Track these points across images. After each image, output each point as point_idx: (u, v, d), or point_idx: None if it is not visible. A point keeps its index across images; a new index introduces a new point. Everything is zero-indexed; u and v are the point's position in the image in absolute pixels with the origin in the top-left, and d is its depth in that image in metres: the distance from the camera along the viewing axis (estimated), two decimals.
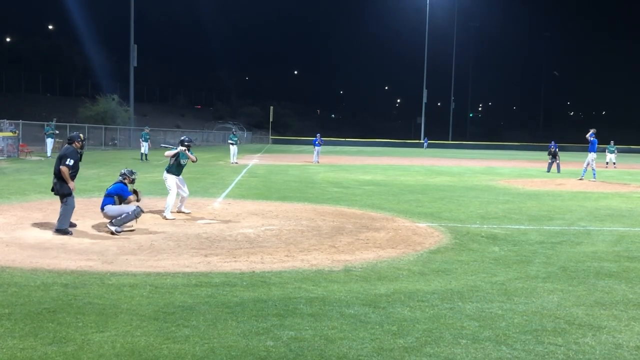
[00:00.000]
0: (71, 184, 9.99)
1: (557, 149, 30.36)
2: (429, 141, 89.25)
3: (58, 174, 9.98)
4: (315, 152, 35.72)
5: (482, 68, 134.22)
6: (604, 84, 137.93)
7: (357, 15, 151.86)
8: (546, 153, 31.77)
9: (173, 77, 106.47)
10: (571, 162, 42.75)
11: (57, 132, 36.10)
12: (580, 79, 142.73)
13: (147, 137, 34.23)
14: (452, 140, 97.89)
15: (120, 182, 10.66)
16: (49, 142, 33.67)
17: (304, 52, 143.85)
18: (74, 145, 10.27)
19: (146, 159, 32.26)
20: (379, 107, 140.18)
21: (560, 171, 30.01)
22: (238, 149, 34.19)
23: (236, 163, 31.93)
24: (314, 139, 36.48)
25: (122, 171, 10.85)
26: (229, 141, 33.83)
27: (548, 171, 30.31)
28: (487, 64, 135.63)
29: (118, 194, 10.41)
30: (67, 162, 9.94)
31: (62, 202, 10.02)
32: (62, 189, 10.00)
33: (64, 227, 9.87)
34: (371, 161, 37.96)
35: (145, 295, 6.34)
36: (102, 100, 56.34)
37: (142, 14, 64.63)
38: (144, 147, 33.34)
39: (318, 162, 33.74)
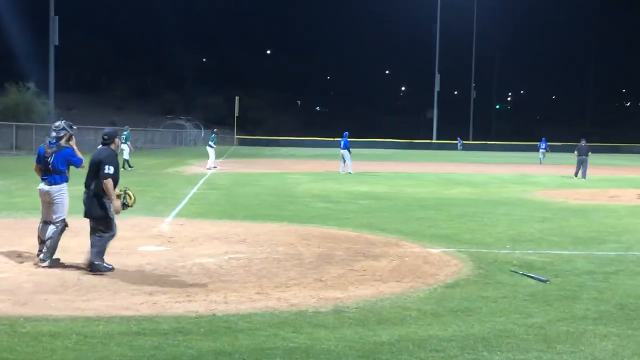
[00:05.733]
0: (116, 203, 9.53)
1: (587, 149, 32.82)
2: (463, 141, 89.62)
3: (95, 188, 9.47)
4: (344, 158, 33.93)
5: (512, 47, 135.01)
6: None
7: None
8: (575, 153, 33.40)
9: (108, 59, 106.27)
10: (627, 167, 43.18)
11: None
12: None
13: (129, 138, 34.84)
14: (473, 140, 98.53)
15: (63, 146, 9.95)
16: None
17: (279, 25, 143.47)
18: (112, 145, 9.89)
19: (129, 166, 32.75)
20: (379, 97, 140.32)
21: (586, 177, 31.67)
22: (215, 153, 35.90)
23: (214, 168, 33.48)
24: (342, 138, 34.60)
25: (58, 125, 10.11)
26: (211, 143, 35.53)
27: (576, 176, 32.14)
28: (518, 41, 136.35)
29: (69, 161, 9.90)
30: (108, 171, 9.46)
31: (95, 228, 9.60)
32: (94, 211, 9.54)
33: (100, 262, 9.51)
34: (369, 167, 38.05)
35: (70, 348, 6.27)
36: (13, 90, 55.93)
37: None
38: (125, 151, 33.70)
39: (351, 172, 32.92)
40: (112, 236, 9.80)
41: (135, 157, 35.36)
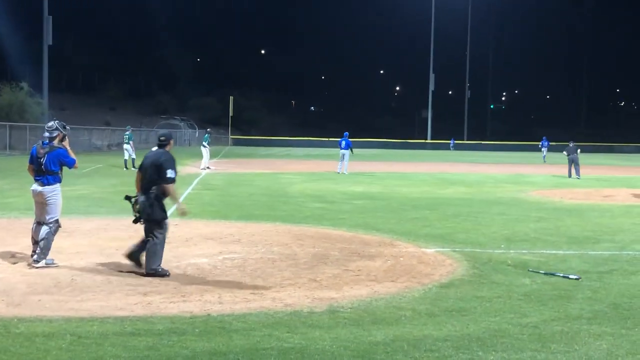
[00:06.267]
0: (182, 205, 9.52)
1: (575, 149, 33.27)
2: (456, 141, 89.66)
3: (156, 191, 9.38)
4: (342, 158, 33.95)
5: (507, 46, 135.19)
6: None
7: None
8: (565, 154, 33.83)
9: (101, 59, 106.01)
10: (621, 167, 43.28)
11: None
12: (633, 56, 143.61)
13: (131, 138, 34.88)
14: (468, 140, 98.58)
15: (55, 146, 9.91)
16: None
17: (273, 25, 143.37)
18: (167, 147, 9.79)
19: (133, 166, 32.70)
20: (373, 97, 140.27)
21: (580, 176, 32.08)
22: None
23: (208, 168, 33.59)
24: (342, 138, 34.56)
25: (51, 125, 10.05)
26: (204, 143, 35.57)
27: (569, 176, 32.49)
28: (512, 40, 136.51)
29: (61, 162, 9.88)
30: (171, 175, 9.38)
31: (149, 233, 9.54)
32: (154, 214, 9.47)
33: (158, 267, 9.48)
34: (363, 167, 38.05)
35: (65, 348, 6.27)
36: (6, 90, 55.79)
37: None
38: (128, 151, 33.93)
39: (345, 173, 32.97)
40: (164, 238, 9.72)
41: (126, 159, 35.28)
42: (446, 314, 7.79)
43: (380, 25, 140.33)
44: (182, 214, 9.70)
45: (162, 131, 10.11)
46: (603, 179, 33.41)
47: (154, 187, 9.45)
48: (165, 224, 9.70)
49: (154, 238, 9.50)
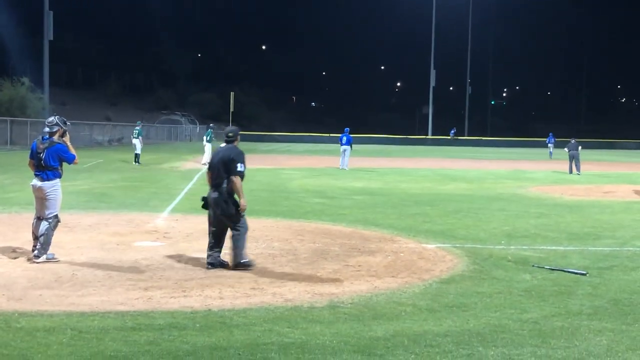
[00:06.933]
0: (244, 201, 9.56)
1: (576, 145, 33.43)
2: (456, 136, 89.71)
3: (228, 187, 9.45)
4: (343, 154, 34.14)
5: (508, 43, 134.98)
6: None
7: None
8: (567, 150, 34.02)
9: (102, 55, 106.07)
10: (622, 163, 43.22)
11: None
12: (634, 54, 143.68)
13: (141, 133, 35.21)
14: (469, 136, 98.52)
15: (55, 142, 9.90)
16: None
17: (274, 22, 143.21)
18: (235, 142, 9.87)
19: (137, 161, 33.36)
20: (373, 93, 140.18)
21: (580, 172, 32.19)
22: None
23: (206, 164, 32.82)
24: (343, 134, 34.80)
25: (51, 120, 10.03)
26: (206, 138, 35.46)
27: (570, 172, 32.60)
28: (513, 37, 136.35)
29: (61, 157, 9.86)
30: (241, 169, 9.51)
31: (233, 227, 9.58)
32: (228, 209, 9.52)
33: (245, 259, 9.55)
34: (364, 163, 38.05)
35: (65, 343, 6.27)
36: (7, 85, 55.78)
37: None
38: (137, 145, 34.21)
39: (345, 169, 33.03)
40: (247, 229, 9.77)
41: (132, 153, 35.32)
42: (446, 309, 7.79)
43: (381, 22, 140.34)
44: (242, 209, 9.68)
45: (229, 127, 10.12)
46: (603, 175, 33.42)
47: (225, 182, 9.54)
48: (244, 218, 9.74)
49: (236, 231, 9.58)
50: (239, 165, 9.50)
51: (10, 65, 63.94)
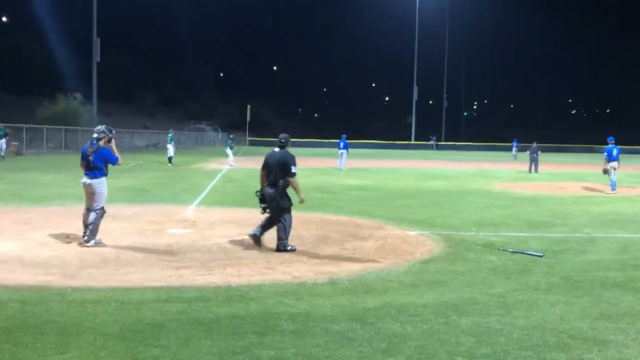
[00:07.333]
0: (302, 195, 9.76)
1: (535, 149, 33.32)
2: (435, 140, 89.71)
3: (283, 184, 9.56)
4: (341, 156, 34.16)
5: (478, 64, 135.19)
6: (608, 81, 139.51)
7: (341, 7, 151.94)
8: (527, 153, 33.96)
9: (141, 74, 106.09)
10: (573, 164, 43.11)
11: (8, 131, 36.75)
12: (582, 74, 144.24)
13: (173, 139, 35.28)
14: (445, 141, 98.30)
15: (101, 146, 9.88)
16: (1, 142, 34.57)
17: (283, 46, 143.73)
18: (287, 147, 9.94)
19: (170, 162, 33.41)
20: (366, 106, 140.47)
21: (538, 172, 31.89)
22: (234, 152, 36.23)
23: (231, 165, 33.30)
24: (340, 140, 34.87)
25: (99, 128, 10.06)
26: (229, 145, 35.72)
27: (530, 172, 32.18)
28: (483, 59, 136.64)
29: (105, 159, 9.88)
30: (295, 170, 9.63)
31: (279, 219, 9.63)
32: (283, 203, 9.63)
33: (287, 247, 9.62)
34: (358, 164, 37.99)
35: (110, 312, 6.28)
36: (63, 99, 55.79)
37: (106, 8, 64.19)
38: (170, 149, 34.38)
39: (343, 169, 33.02)
40: (290, 224, 9.83)
41: (166, 156, 35.31)
42: (426, 285, 7.78)
43: (372, 47, 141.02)
44: (301, 201, 9.84)
45: (282, 134, 10.15)
46: (557, 174, 33.35)
47: (280, 181, 9.61)
48: (290, 211, 9.81)
49: (284, 222, 9.64)
50: (292, 167, 9.64)
51: (65, 83, 63.88)
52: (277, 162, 9.73)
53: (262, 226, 9.83)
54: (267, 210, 9.78)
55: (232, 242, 10.45)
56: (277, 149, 10.00)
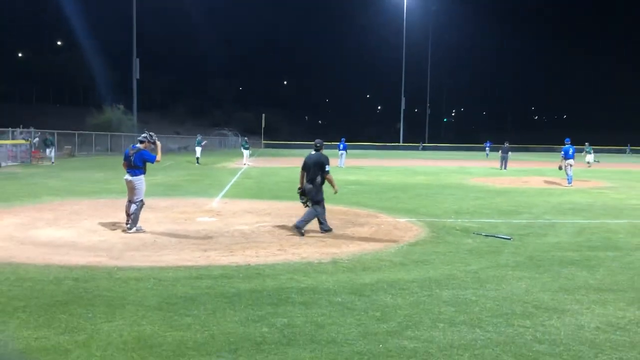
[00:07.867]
0: (337, 187, 9.99)
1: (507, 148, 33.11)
2: (423, 145, 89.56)
3: (320, 181, 9.75)
4: (341, 156, 33.94)
5: (455, 78, 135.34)
6: (566, 92, 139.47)
7: (341, 30, 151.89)
8: (499, 152, 33.58)
9: (173, 87, 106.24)
10: (536, 161, 42.92)
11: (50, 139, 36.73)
12: (545, 86, 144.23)
13: (200, 142, 35.56)
14: (428, 143, 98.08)
15: (141, 149, 9.95)
16: (49, 150, 33.96)
17: (292, 64, 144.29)
18: (321, 150, 10.08)
19: (198, 162, 33.65)
20: (362, 114, 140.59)
21: (507, 168, 31.59)
22: (249, 153, 35.91)
23: (246, 165, 32.97)
24: (340, 142, 34.55)
25: (144, 135, 10.17)
26: (244, 146, 35.37)
27: (500, 168, 31.85)
28: (459, 74, 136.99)
29: (144, 159, 9.91)
30: (328, 169, 9.81)
31: (311, 206, 9.86)
32: (317, 196, 9.81)
33: (302, 229, 9.75)
34: (355, 162, 37.97)
35: (149, 288, 6.31)
36: (108, 110, 56.02)
37: (145, 30, 64.25)
38: (198, 151, 34.95)
39: (342, 167, 32.85)
40: (323, 212, 9.97)
41: (194, 157, 35.37)
42: (413, 263, 7.79)
43: (368, 64, 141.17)
44: (335, 192, 10.11)
45: (318, 139, 10.41)
46: (523, 170, 33.22)
47: (318, 178, 9.78)
48: (323, 203, 9.98)
49: (315, 211, 9.82)
50: (327, 166, 9.81)
51: (110, 96, 64.10)
52: (315, 162, 9.86)
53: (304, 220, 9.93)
54: (308, 204, 9.90)
55: (251, 228, 10.46)
56: (313, 152, 10.14)
